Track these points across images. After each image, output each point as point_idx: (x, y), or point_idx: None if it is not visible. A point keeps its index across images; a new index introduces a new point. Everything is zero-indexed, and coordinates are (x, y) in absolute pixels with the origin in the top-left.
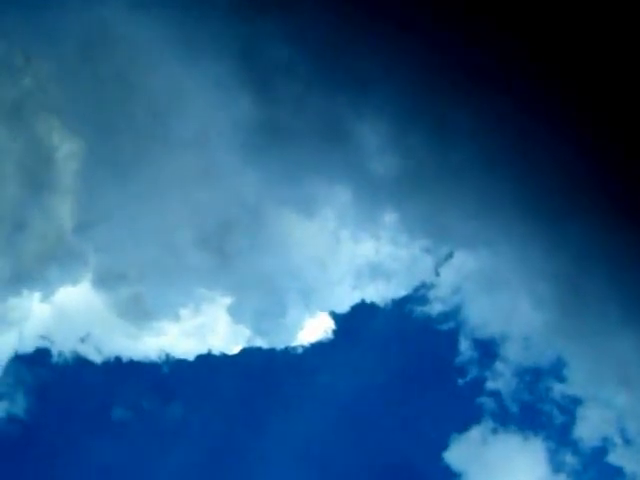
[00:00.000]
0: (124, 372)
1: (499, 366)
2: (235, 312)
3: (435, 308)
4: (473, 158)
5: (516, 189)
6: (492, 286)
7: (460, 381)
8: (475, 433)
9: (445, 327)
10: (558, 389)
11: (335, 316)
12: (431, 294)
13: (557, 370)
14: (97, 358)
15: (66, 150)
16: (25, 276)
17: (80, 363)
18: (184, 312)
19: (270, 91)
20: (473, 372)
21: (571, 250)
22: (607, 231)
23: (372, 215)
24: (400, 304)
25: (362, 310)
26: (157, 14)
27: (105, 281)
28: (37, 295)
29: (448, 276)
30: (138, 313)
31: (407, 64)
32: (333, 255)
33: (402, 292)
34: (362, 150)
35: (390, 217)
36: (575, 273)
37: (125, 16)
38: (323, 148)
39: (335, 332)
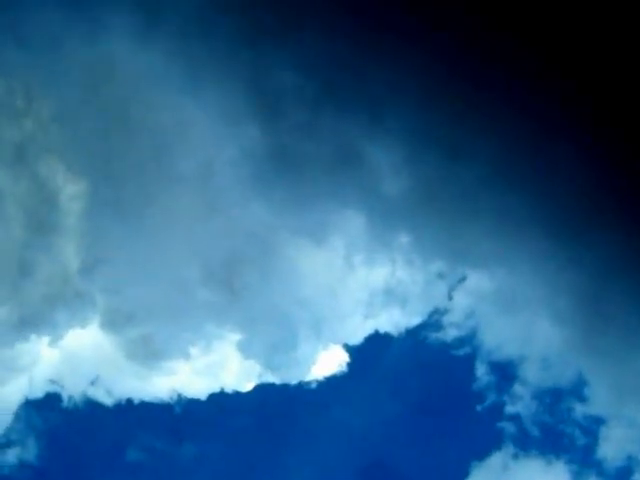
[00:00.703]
0: (136, 413)
1: (518, 389)
2: (246, 348)
3: (450, 334)
4: (487, 176)
5: (532, 206)
6: (509, 306)
7: (478, 407)
8: (496, 459)
9: (461, 352)
10: (580, 409)
11: (349, 348)
12: (445, 319)
13: (578, 390)
14: (108, 400)
15: (69, 191)
16: (32, 320)
17: (91, 406)
18: (194, 350)
19: (279, 118)
20: (491, 397)
21: (592, 265)
22: (629, 244)
23: (385, 240)
24: (414, 332)
25: (376, 340)
26: (162, 46)
27: (113, 322)
28: (45, 339)
29: (462, 300)
30: (148, 353)
31: (418, 84)
32: (345, 284)
33: (416, 319)
34: (374, 173)
35: (404, 240)
36: (596, 288)
37: (129, 51)
38: (334, 172)
39: (349, 365)
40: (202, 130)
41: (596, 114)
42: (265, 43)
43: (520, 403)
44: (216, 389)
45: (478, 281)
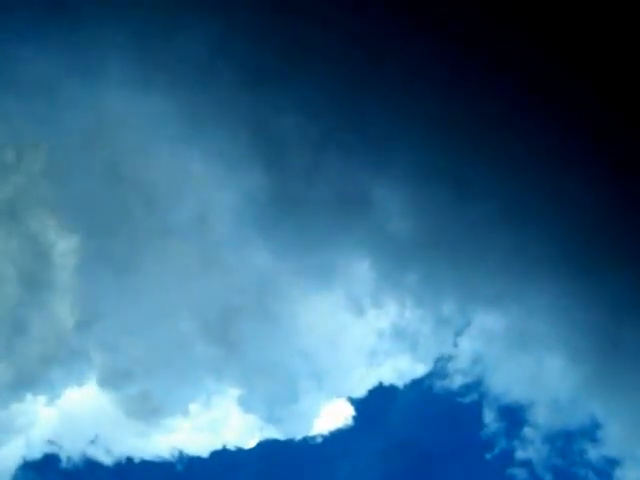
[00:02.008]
0: (137, 472)
1: (528, 433)
2: (246, 403)
3: (456, 381)
4: (497, 213)
5: (545, 243)
6: (519, 347)
7: (488, 455)
8: None
9: (468, 400)
10: (593, 451)
11: (353, 401)
12: (451, 366)
13: (590, 431)
14: (108, 460)
15: (62, 247)
16: (28, 380)
17: (90, 466)
18: (194, 407)
19: (282, 162)
20: (501, 443)
21: (607, 303)
22: None
23: (392, 283)
24: (420, 381)
25: (381, 392)
26: (161, 93)
27: (111, 380)
28: (42, 399)
29: (469, 343)
30: (147, 411)
31: (424, 124)
32: (348, 333)
33: (422, 366)
34: (381, 214)
35: (412, 282)
36: (611, 327)
37: (127, 99)
38: (339, 215)
39: (355, 418)
40: (200, 178)
41: (610, 151)
42: (267, 87)
43: (531, 448)
44: (218, 446)
45: (488, 321)
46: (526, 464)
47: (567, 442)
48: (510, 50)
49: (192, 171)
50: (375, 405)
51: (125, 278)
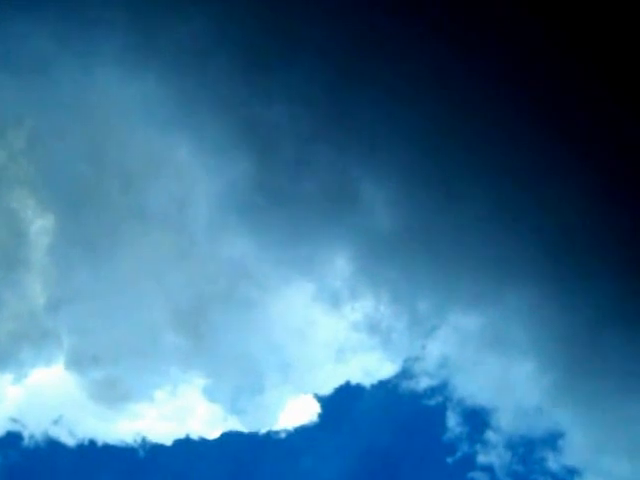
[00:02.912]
0: (99, 456)
1: (491, 437)
2: (212, 393)
3: (422, 383)
4: (483, 217)
5: (528, 248)
6: (489, 349)
7: (449, 458)
8: None
9: (433, 402)
10: (554, 460)
11: (319, 398)
12: (419, 367)
13: (553, 439)
14: (70, 441)
15: (39, 225)
16: None
17: (53, 446)
18: (160, 394)
19: (271, 151)
20: (463, 447)
21: (584, 313)
22: (624, 296)
23: (370, 280)
24: (387, 382)
25: (347, 391)
26: (154, 74)
27: (79, 362)
28: (9, 377)
29: (440, 344)
30: (113, 395)
31: (416, 122)
32: (319, 329)
33: (390, 367)
34: (367, 209)
35: (390, 280)
36: (585, 337)
37: (117, 81)
38: (326, 207)
39: (320, 415)
40: (185, 164)
41: (597, 156)
42: (260, 77)
43: (493, 453)
44: (182, 435)
45: (463, 322)
46: (487, 469)
47: (529, 449)
48: (504, 52)
49: (177, 156)
50: (341, 404)
51: (99, 261)
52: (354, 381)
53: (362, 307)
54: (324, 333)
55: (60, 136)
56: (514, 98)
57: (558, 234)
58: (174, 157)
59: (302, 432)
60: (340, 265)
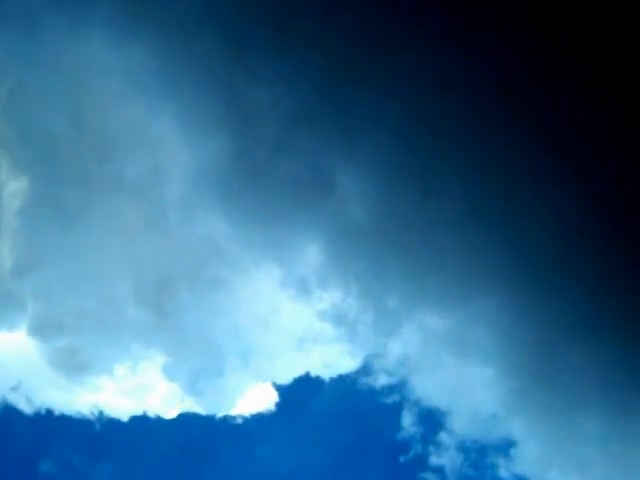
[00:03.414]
0: (55, 425)
1: (445, 440)
2: (172, 372)
3: (381, 380)
4: (457, 218)
5: (499, 253)
6: (451, 351)
7: (402, 457)
8: None
9: (390, 400)
10: (505, 467)
11: (278, 387)
12: (380, 363)
13: (506, 446)
14: (27, 409)
15: (12, 188)
16: None
17: (9, 412)
18: (120, 369)
19: (252, 130)
20: (416, 447)
21: (550, 324)
22: (589, 310)
23: (339, 272)
24: (347, 376)
25: (306, 383)
26: (141, 46)
27: (42, 329)
28: None
29: (403, 342)
30: (73, 366)
31: (398, 118)
32: (284, 317)
33: (351, 361)
34: (343, 199)
35: (359, 273)
36: (548, 347)
37: (105, 46)
38: (300, 193)
39: (277, 405)
40: (164, 136)
41: (575, 164)
42: (247, 56)
43: (445, 455)
44: (139, 412)
45: (429, 322)
46: (438, 470)
47: (481, 454)
48: (490, 53)
49: (158, 128)
50: (299, 395)
51: (70, 228)
52: (314, 373)
53: (330, 297)
54: (289, 321)
55: (41, 97)
56: (502, 106)
57: (530, 245)
58: (154, 128)
59: (259, 420)
60: (311, 253)
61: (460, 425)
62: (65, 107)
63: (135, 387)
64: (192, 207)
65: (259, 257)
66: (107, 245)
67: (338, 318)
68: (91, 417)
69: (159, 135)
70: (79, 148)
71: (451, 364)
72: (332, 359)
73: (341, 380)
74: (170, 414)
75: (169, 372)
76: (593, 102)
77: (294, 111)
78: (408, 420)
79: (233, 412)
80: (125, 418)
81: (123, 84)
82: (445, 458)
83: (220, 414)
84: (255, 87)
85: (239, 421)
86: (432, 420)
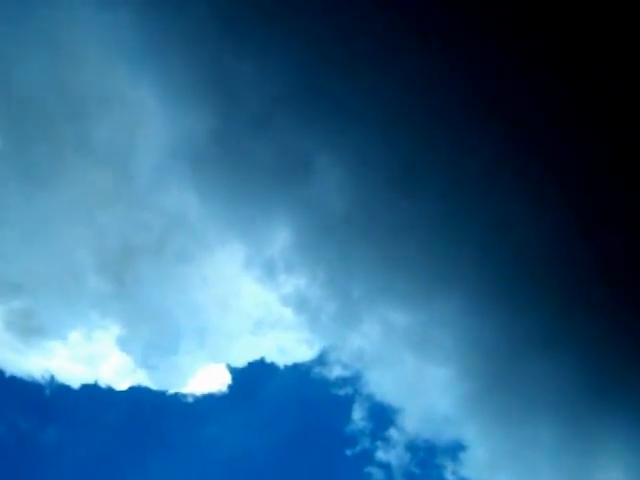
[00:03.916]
0: (5, 386)
1: (394, 436)
2: (126, 343)
3: (335, 371)
4: (432, 216)
5: (469, 255)
6: (411, 349)
7: (349, 451)
8: None
9: (342, 392)
10: (452, 469)
11: (232, 370)
12: (337, 355)
13: (455, 449)
14: None
15: None
16: None
17: None
18: (75, 335)
19: (233, 107)
20: (364, 442)
21: (512, 331)
22: (555, 322)
23: (307, 259)
24: (302, 365)
25: (260, 368)
26: (128, 11)
27: None
28: None
29: (364, 335)
30: (27, 328)
31: (382, 111)
32: (245, 299)
33: (308, 350)
34: (319, 186)
35: (327, 262)
36: (508, 354)
37: (92, 9)
38: (276, 174)
39: (230, 387)
40: (142, 105)
41: (552, 171)
42: (236, 31)
43: (393, 451)
44: (90, 380)
45: (392, 317)
46: (384, 466)
47: (430, 454)
48: (475, 54)
49: (138, 95)
50: (252, 379)
51: (35, 188)
52: (270, 359)
53: (295, 282)
54: (250, 303)
55: (18, 53)
56: (482, 107)
57: (499, 252)
58: (133, 94)
59: (209, 400)
60: (281, 236)
61: (411, 423)
62: (42, 64)
63: (88, 355)
64: (163, 178)
65: (227, 235)
66: (72, 209)
67: (301, 304)
68: (42, 381)
69: (138, 101)
70: (52, 106)
71: (409, 362)
72: (289, 346)
73: (296, 368)
74: (121, 386)
75: (124, 343)
76: (570, 101)
77: (279, 92)
78: (359, 414)
79: (184, 390)
80: (76, 385)
81: (106, 46)
82: (392, 455)
83: (171, 391)
84: (242, 64)
85: (190, 400)
86: (383, 416)
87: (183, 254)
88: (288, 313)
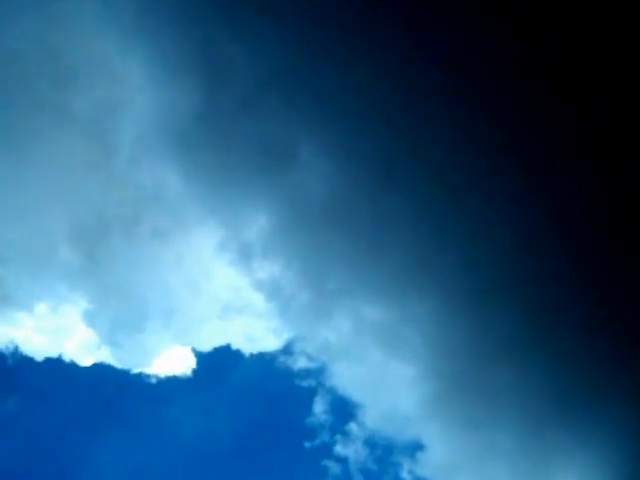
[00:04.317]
0: None
1: (354, 431)
2: (93, 319)
3: (300, 362)
4: (414, 214)
5: (449, 255)
6: (379, 345)
7: (307, 443)
8: None
9: (305, 384)
10: (408, 468)
11: (197, 353)
12: (302, 345)
13: (413, 448)
14: None
15: None
16: None
17: None
18: (41, 307)
19: (220, 85)
20: (323, 435)
21: (485, 335)
22: (526, 330)
23: (283, 247)
24: (267, 353)
25: (225, 354)
26: None
27: None
28: None
29: (333, 327)
30: None
31: (370, 102)
32: (217, 282)
33: (273, 340)
34: (301, 173)
35: (303, 251)
36: (479, 358)
37: None
38: (260, 158)
39: (194, 371)
40: (131, 76)
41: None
42: (230, 9)
43: (351, 446)
44: (54, 354)
45: (365, 312)
46: (342, 460)
47: (388, 452)
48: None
49: (124, 65)
50: (217, 365)
51: (12, 155)
52: (235, 346)
53: (270, 269)
54: (221, 286)
55: (7, 17)
56: (464, 112)
57: (475, 253)
58: (120, 64)
59: (173, 382)
60: (259, 221)
61: (372, 419)
62: (31, 29)
63: (54, 328)
64: (144, 153)
65: (204, 217)
66: (47, 177)
67: (273, 291)
68: (5, 351)
69: (124, 72)
70: (35, 71)
71: (376, 358)
72: (257, 334)
73: (261, 357)
74: (85, 362)
75: (90, 318)
76: (556, 101)
77: (268, 74)
78: (320, 407)
79: (148, 370)
80: (40, 358)
81: (98, 16)
82: (351, 450)
83: (135, 370)
84: (233, 43)
85: (153, 380)
86: (344, 410)
87: (158, 232)
88: (259, 299)
